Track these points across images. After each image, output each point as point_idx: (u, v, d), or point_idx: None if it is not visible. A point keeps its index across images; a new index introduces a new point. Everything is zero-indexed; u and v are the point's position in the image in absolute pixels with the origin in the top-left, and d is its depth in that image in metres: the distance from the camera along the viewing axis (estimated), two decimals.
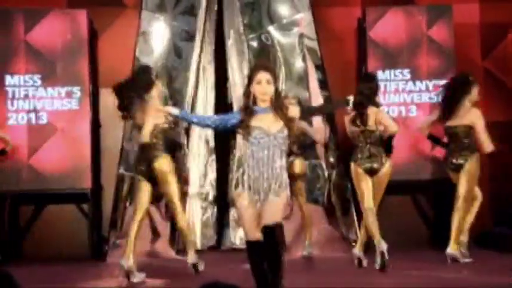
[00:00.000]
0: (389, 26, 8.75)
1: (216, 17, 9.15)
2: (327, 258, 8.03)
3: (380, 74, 8.62)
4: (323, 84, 8.90)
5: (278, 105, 4.83)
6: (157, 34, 9.09)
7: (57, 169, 8.39)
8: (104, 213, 8.85)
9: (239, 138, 4.83)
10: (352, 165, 7.09)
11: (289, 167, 7.70)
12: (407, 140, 8.58)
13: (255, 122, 4.78)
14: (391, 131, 6.91)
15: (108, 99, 8.83)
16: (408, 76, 8.71)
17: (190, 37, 9.05)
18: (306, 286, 6.29)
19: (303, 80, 8.98)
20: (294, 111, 4.90)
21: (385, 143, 7.03)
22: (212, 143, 9.06)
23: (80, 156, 8.43)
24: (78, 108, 8.50)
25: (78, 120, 8.48)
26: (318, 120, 8.64)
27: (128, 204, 8.51)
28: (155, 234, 8.60)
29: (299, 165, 8.06)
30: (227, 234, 9.03)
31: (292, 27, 9.23)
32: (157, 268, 7.48)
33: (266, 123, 4.78)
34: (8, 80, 8.44)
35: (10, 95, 8.43)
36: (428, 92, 8.69)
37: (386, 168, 7.06)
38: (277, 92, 4.86)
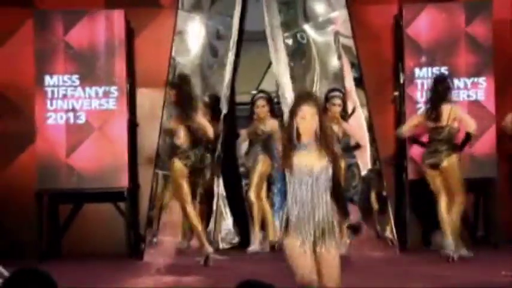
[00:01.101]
0: (426, 23, 8.67)
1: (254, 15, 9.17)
2: (364, 258, 7.98)
3: (417, 72, 8.60)
4: (359, 83, 8.85)
5: (323, 140, 4.40)
6: (193, 34, 9.14)
7: (94, 168, 8.46)
8: (140, 211, 8.90)
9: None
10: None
11: None
12: None
13: (297, 159, 4.35)
14: (471, 129, 7.43)
15: (145, 99, 8.95)
16: (446, 74, 8.62)
17: (225, 36, 9.07)
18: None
19: (338, 78, 8.95)
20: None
21: (462, 140, 7.59)
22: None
23: (117, 155, 8.49)
24: (116, 108, 8.56)
25: (115, 120, 8.55)
26: (356, 120, 8.62)
27: (163, 202, 8.56)
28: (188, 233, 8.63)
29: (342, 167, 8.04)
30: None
31: (328, 25, 9.22)
32: (191, 266, 7.50)
33: (309, 160, 4.36)
34: (47, 80, 8.51)
35: (49, 95, 8.50)
36: (467, 89, 8.60)
37: (449, 163, 7.49)
38: (322, 126, 4.41)
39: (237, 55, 9.22)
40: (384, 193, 8.64)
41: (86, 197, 8.72)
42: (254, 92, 9.23)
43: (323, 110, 4.96)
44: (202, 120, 7.64)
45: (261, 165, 8.54)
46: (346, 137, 8.34)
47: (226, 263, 7.62)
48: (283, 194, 4.61)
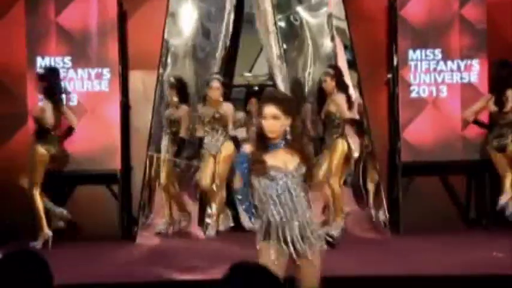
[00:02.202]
0: (420, 5, 8.65)
1: None
2: (356, 239, 8.03)
3: (410, 54, 8.60)
4: (352, 65, 8.85)
5: (293, 142, 4.32)
6: (186, 15, 9.14)
7: (87, 150, 8.45)
8: (133, 194, 8.90)
9: (253, 179, 4.25)
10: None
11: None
12: (438, 120, 8.54)
13: (268, 159, 4.26)
14: None
15: (138, 81, 8.93)
16: (439, 56, 8.63)
17: (218, 18, 9.05)
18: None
19: (331, 60, 8.97)
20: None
21: None
22: None
23: (109, 137, 8.50)
24: (108, 90, 8.54)
25: (107, 102, 8.54)
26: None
27: (157, 185, 8.56)
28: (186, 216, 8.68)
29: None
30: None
31: (321, 7, 9.23)
32: (188, 249, 7.56)
33: (281, 161, 4.28)
34: (39, 61, 8.49)
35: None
36: (460, 72, 8.61)
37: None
38: (292, 128, 4.31)
39: (237, 36, 9.18)
40: (376, 176, 8.68)
41: (78, 179, 8.70)
42: (248, 74, 9.24)
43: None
44: (68, 111, 8.09)
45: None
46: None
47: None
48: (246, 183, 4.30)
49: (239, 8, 9.13)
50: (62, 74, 8.24)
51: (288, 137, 4.28)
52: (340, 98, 8.14)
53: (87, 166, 8.43)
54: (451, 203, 8.92)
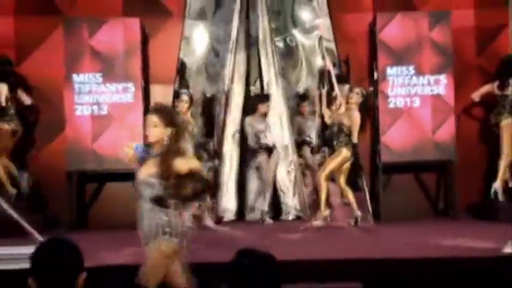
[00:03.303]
0: (396, 29, 8.69)
1: (247, 23, 9.14)
2: (346, 227, 8.03)
3: (388, 70, 8.61)
4: (339, 79, 8.86)
5: (165, 152, 4.01)
6: (198, 38, 9.14)
7: (115, 152, 8.39)
8: None
9: None
10: None
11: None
12: (412, 126, 8.56)
13: (143, 165, 4.05)
14: None
15: (157, 93, 8.96)
16: (412, 72, 8.65)
17: (225, 40, 9.06)
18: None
19: (321, 76, 8.96)
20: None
21: None
22: None
23: (133, 141, 8.46)
24: (133, 101, 8.55)
25: (132, 111, 8.53)
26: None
27: None
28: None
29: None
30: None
31: (313, 30, 9.24)
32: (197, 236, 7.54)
33: (145, 167, 4.04)
34: (75, 78, 8.50)
35: (77, 90, 8.49)
36: (430, 85, 8.63)
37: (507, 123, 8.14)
38: (171, 138, 4.05)
39: (248, 56, 9.15)
40: (362, 174, 8.66)
41: (107, 177, 8.72)
42: (253, 87, 9.21)
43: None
44: (21, 92, 8.37)
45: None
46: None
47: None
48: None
49: (244, 32, 9.13)
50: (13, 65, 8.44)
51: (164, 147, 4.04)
52: (356, 116, 7.88)
53: (115, 166, 8.37)
54: (423, 196, 8.97)
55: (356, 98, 7.95)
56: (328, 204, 8.14)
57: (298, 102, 8.97)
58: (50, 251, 2.51)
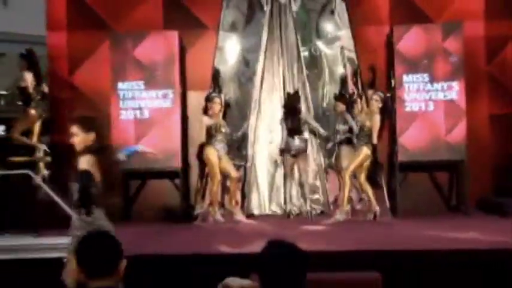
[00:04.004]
0: (412, 40, 8.59)
1: (277, 34, 9.08)
2: (366, 221, 7.96)
3: (404, 78, 8.52)
4: (358, 86, 8.79)
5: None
6: (231, 48, 9.13)
7: (156, 152, 8.46)
8: (191, 185, 8.93)
9: None
10: None
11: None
12: (427, 129, 8.45)
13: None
14: None
15: (194, 99, 8.97)
16: (427, 79, 8.54)
17: (255, 50, 9.04)
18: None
19: (343, 83, 8.89)
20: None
21: None
22: None
23: (172, 142, 8.52)
24: (171, 106, 8.57)
25: (171, 115, 8.56)
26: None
27: (209, 179, 8.56)
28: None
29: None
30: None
31: (335, 41, 9.17)
32: (230, 228, 7.54)
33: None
34: (120, 85, 8.56)
35: (121, 97, 8.54)
36: (443, 91, 8.51)
37: None
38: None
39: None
40: (381, 172, 8.56)
41: (149, 174, 8.77)
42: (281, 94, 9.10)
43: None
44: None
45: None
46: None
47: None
48: None
49: (272, 43, 9.09)
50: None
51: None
52: (377, 119, 7.86)
53: (156, 165, 8.46)
54: (436, 193, 8.88)
55: (377, 102, 7.92)
56: (350, 199, 8.10)
57: (335, 104, 8.68)
58: (92, 242, 2.52)
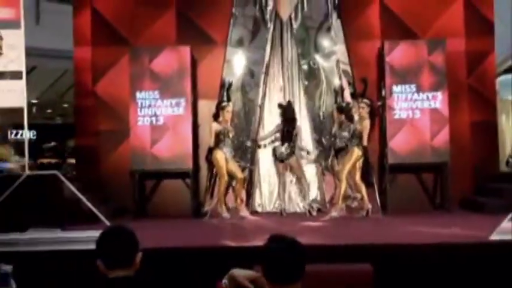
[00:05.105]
0: (401, 54, 8.61)
1: (280, 48, 9.09)
2: (358, 217, 7.94)
3: (394, 88, 8.52)
4: (354, 96, 8.78)
5: None
6: (238, 61, 9.15)
7: (169, 155, 8.51)
8: (201, 185, 8.93)
9: None
10: None
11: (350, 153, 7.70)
12: (414, 134, 8.44)
13: None
14: None
15: (204, 107, 8.97)
16: (414, 89, 8.54)
17: (260, 63, 9.05)
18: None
19: (338, 93, 8.88)
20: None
21: None
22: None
23: (184, 146, 8.53)
24: (183, 114, 8.58)
25: (183, 122, 8.57)
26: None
27: (217, 180, 8.56)
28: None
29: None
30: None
31: (332, 55, 9.17)
32: (235, 224, 7.53)
33: None
34: (138, 95, 8.57)
35: (139, 105, 8.54)
36: (428, 100, 8.51)
37: None
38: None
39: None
40: (371, 171, 8.55)
41: (163, 175, 8.77)
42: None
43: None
44: None
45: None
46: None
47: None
48: None
49: (275, 56, 9.10)
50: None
51: None
52: (367, 123, 7.89)
53: (169, 166, 8.48)
54: (422, 192, 8.83)
55: (364, 109, 7.97)
56: (344, 198, 8.07)
57: (337, 114, 8.64)
58: (111, 236, 2.51)
